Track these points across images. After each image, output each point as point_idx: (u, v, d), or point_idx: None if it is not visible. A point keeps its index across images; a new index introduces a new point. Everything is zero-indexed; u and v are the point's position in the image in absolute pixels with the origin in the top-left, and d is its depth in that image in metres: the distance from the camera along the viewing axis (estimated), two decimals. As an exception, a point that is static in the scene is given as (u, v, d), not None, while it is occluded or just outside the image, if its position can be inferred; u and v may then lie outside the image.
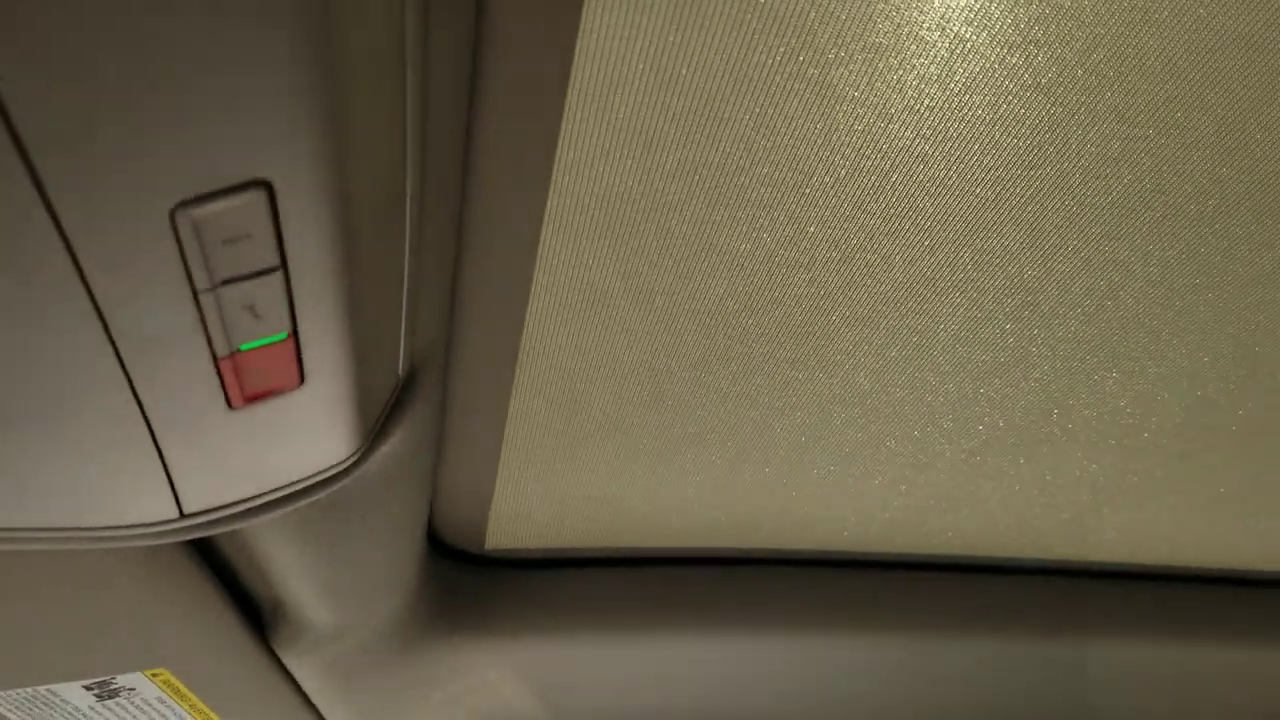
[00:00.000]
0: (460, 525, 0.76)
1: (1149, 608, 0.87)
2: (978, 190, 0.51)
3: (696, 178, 0.50)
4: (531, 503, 0.75)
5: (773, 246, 0.54)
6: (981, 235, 0.53)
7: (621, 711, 0.91)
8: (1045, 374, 0.63)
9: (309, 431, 0.42)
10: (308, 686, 0.74)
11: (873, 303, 0.58)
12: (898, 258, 0.55)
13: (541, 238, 0.52)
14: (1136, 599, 0.87)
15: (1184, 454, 0.70)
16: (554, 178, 0.49)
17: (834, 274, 0.55)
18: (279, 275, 0.34)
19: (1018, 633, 0.85)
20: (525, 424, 0.66)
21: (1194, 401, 0.65)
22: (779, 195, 0.51)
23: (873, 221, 0.53)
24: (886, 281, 0.57)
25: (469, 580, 0.79)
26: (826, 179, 0.50)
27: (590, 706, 0.89)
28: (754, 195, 0.51)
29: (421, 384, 0.51)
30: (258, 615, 0.69)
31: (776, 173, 0.50)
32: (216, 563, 0.61)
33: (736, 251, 0.54)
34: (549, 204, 0.50)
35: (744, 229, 0.53)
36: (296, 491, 0.47)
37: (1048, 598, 0.86)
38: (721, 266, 0.55)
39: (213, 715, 0.73)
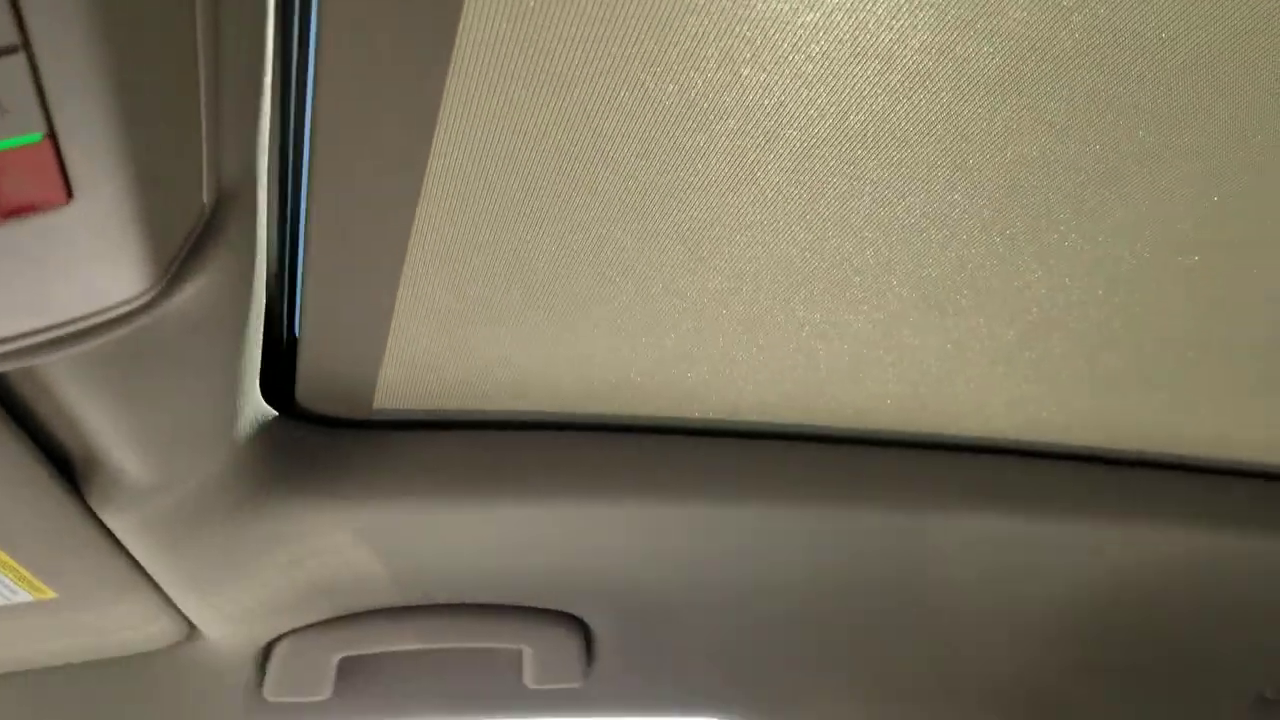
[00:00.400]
0: (332, 387, 0.71)
1: (1025, 482, 0.90)
2: (923, 35, 0.48)
3: (619, 10, 0.45)
4: (413, 370, 0.70)
5: (702, 88, 0.49)
6: (920, 86, 0.50)
7: (474, 574, 0.89)
8: (964, 242, 0.61)
9: (88, 260, 0.37)
10: (131, 545, 0.68)
11: (797, 159, 0.55)
12: (831, 108, 0.51)
13: (449, 75, 0.46)
14: (1014, 473, 0.90)
15: (1083, 332, 0.70)
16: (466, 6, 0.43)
17: (764, 122, 0.52)
18: (21, 58, 0.28)
19: (897, 504, 0.87)
20: (419, 283, 0.61)
21: (1104, 280, 0.65)
22: (712, 28, 0.46)
23: (810, 67, 0.49)
24: (814, 135, 0.53)
25: (321, 441, 0.74)
26: (764, 10, 0.46)
27: (441, 570, 0.87)
28: (684, 25, 0.46)
29: (235, 216, 0.45)
30: (70, 468, 0.62)
31: (711, 2, 0.45)
32: (15, 408, 0.55)
33: (662, 94, 0.49)
34: (459, 41, 0.44)
35: (672, 67, 0.48)
36: (82, 330, 0.41)
37: (928, 470, 0.88)
38: (646, 110, 0.50)
39: (29, 576, 0.66)
